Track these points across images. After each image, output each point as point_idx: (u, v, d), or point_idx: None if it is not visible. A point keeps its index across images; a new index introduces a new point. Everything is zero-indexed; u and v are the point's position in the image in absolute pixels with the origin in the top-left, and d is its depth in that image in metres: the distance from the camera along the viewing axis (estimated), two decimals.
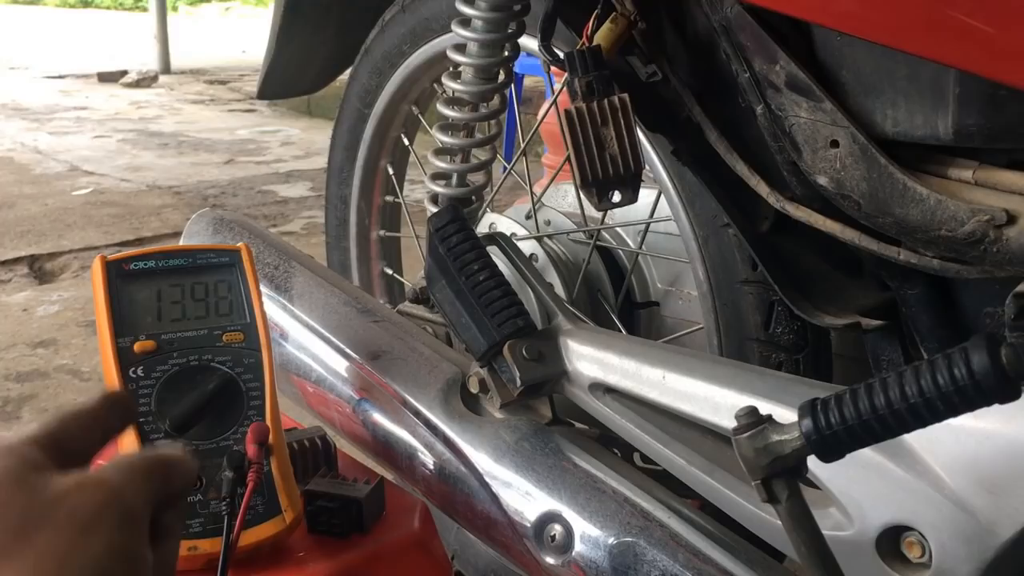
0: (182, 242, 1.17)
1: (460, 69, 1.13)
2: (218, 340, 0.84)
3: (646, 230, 1.34)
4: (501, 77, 1.12)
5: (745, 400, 0.75)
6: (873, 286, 0.96)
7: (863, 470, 0.69)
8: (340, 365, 1.04)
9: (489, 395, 0.93)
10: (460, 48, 1.12)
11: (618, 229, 1.41)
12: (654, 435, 0.84)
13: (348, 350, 1.04)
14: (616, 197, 0.91)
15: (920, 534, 0.67)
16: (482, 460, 0.90)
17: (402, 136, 1.57)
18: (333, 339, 1.05)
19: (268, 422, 0.82)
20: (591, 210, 1.36)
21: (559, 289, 1.34)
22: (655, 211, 1.33)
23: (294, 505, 0.81)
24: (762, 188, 0.87)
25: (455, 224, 0.95)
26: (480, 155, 1.18)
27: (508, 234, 1.16)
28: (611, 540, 0.81)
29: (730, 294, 1.12)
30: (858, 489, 0.70)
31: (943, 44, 0.63)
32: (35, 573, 0.33)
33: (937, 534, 0.66)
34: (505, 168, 1.48)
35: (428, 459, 0.95)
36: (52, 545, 0.34)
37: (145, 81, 6.96)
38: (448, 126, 1.15)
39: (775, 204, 0.87)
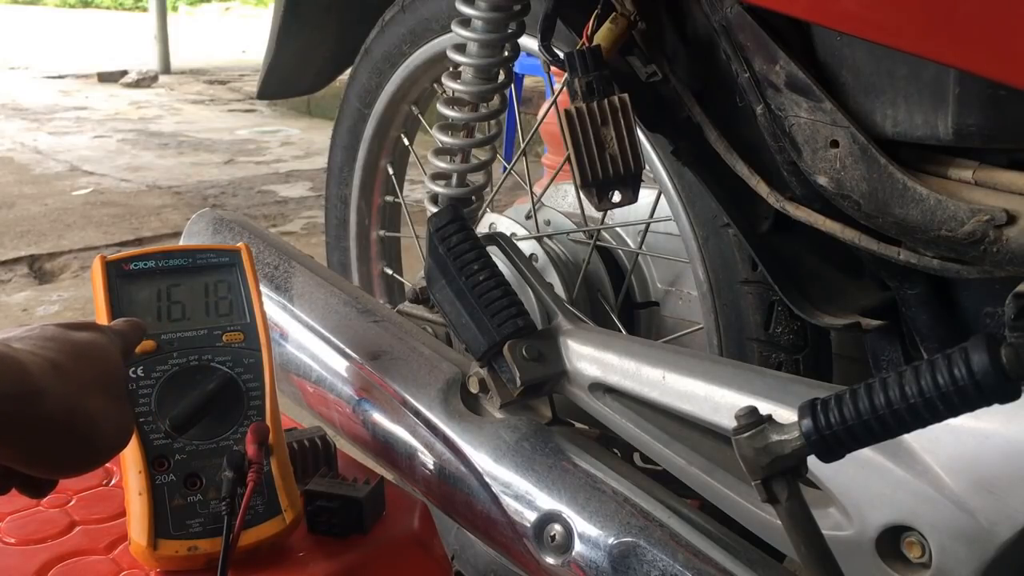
0: (182, 242, 1.17)
1: (460, 69, 1.13)
2: (218, 340, 0.84)
3: (646, 230, 1.34)
4: (501, 77, 1.12)
5: (745, 400, 0.75)
6: (873, 286, 0.96)
7: (863, 470, 0.69)
8: (340, 365, 1.04)
9: (489, 395, 0.93)
10: (460, 48, 1.12)
11: (618, 229, 1.41)
12: (654, 435, 0.84)
13: (348, 350, 1.04)
14: (616, 197, 0.91)
15: (920, 534, 0.67)
16: (482, 460, 0.90)
17: (402, 136, 1.57)
18: (333, 339, 1.05)
19: (268, 422, 0.82)
20: (591, 210, 1.36)
21: (559, 289, 1.34)
22: (655, 211, 1.32)
23: (294, 505, 0.81)
24: (762, 188, 0.87)
25: (455, 224, 0.95)
26: (480, 155, 1.18)
27: (508, 234, 1.16)
28: (611, 540, 0.81)
29: (730, 294, 1.12)
30: (858, 489, 0.70)
31: (943, 44, 0.63)
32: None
33: (937, 534, 0.66)
34: (505, 168, 1.48)
35: (428, 459, 0.95)
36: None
37: (145, 81, 6.95)
38: (448, 126, 1.15)
39: (775, 204, 0.87)
